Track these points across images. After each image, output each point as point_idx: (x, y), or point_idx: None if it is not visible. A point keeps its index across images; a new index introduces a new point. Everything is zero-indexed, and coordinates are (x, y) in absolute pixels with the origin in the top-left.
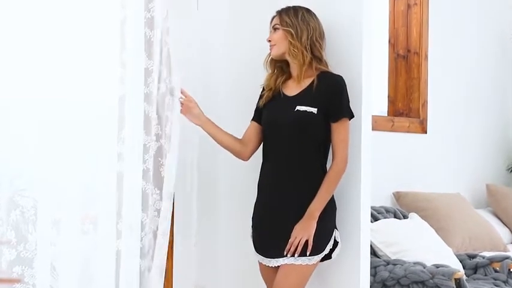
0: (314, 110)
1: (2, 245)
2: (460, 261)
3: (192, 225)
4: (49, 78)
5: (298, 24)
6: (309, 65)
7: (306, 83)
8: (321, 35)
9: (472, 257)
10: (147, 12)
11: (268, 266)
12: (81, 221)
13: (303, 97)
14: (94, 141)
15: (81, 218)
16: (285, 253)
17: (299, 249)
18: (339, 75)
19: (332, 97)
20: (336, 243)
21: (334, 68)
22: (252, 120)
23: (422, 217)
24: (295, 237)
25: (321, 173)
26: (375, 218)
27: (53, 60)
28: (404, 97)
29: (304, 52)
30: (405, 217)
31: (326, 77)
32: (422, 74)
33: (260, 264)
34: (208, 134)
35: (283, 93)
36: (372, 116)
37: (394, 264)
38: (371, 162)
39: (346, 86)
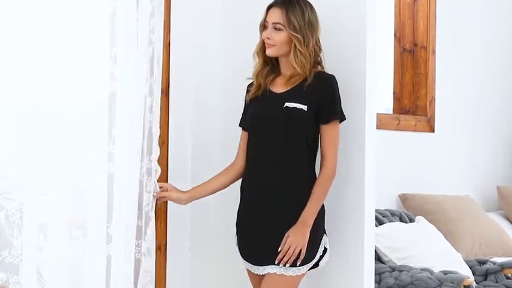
0: (304, 107)
1: None
2: (470, 267)
3: (186, 229)
4: (34, 76)
5: (306, 30)
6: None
7: (297, 80)
8: (319, 34)
9: (482, 262)
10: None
11: (255, 274)
12: (69, 225)
13: (293, 94)
14: (83, 140)
15: (69, 221)
16: (276, 262)
17: (292, 259)
18: (331, 75)
19: (324, 97)
20: (325, 250)
21: (336, 63)
22: (242, 129)
23: (430, 221)
24: (289, 246)
25: (309, 173)
26: (379, 222)
27: (38, 56)
28: (411, 94)
29: (309, 60)
30: (412, 221)
31: (319, 76)
32: (429, 69)
33: (248, 271)
34: (203, 197)
35: (269, 89)
36: (377, 114)
37: (400, 271)
38: (375, 162)
39: (338, 87)
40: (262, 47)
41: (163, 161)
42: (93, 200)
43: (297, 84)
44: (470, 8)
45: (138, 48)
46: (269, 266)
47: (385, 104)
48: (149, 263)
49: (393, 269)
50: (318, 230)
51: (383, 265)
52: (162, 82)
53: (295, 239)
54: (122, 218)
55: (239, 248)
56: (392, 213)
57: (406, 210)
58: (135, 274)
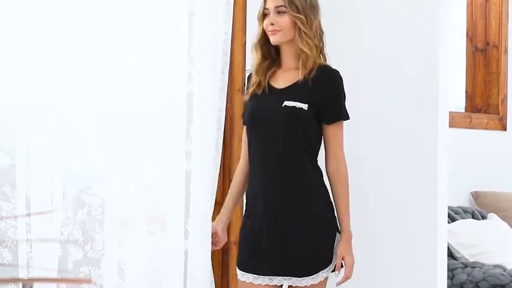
0: (304, 106)
1: (69, 244)
2: None
3: None
4: (116, 76)
5: (308, 11)
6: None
7: (300, 73)
8: (320, 18)
9: None
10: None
11: (263, 285)
12: (149, 221)
13: (293, 91)
14: (162, 139)
15: (148, 217)
16: (337, 285)
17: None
18: (336, 70)
19: (330, 95)
20: None
21: (409, 63)
22: (244, 124)
23: (502, 218)
24: (350, 269)
25: (314, 173)
26: (452, 219)
27: (120, 58)
28: (483, 93)
29: (315, 42)
30: (484, 218)
31: (325, 72)
32: (501, 68)
33: (245, 284)
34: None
35: (269, 84)
36: (449, 112)
37: (473, 267)
38: (448, 160)
39: (343, 83)
40: (262, 38)
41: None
42: (171, 196)
43: (299, 79)
44: None
45: (215, 48)
46: (307, 277)
47: (457, 102)
48: None
49: (466, 265)
50: (330, 231)
51: (455, 261)
52: (237, 82)
53: (352, 260)
54: (199, 214)
55: (244, 258)
56: (465, 211)
57: (479, 208)
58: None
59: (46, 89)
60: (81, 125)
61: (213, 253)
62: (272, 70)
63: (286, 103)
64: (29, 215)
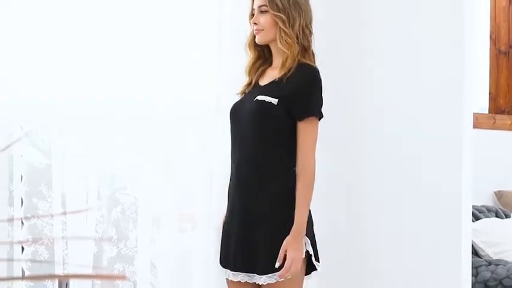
0: (274, 101)
1: (103, 242)
2: None
3: None
4: (147, 78)
5: (290, 10)
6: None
7: (282, 71)
8: (311, 20)
9: None
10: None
11: (234, 282)
12: (179, 219)
13: (270, 86)
14: (192, 139)
15: (179, 216)
16: (279, 279)
17: (293, 273)
18: (314, 68)
19: (299, 90)
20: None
21: (434, 65)
22: None
23: None
24: (291, 262)
25: (283, 174)
26: (476, 218)
27: (150, 60)
28: (506, 94)
29: (296, 42)
30: (507, 216)
31: (300, 68)
32: None
33: (229, 282)
34: None
35: (257, 82)
36: (473, 113)
37: (497, 265)
38: (472, 160)
39: (320, 81)
40: (253, 38)
41: None
42: (201, 194)
43: (280, 77)
44: None
45: (242, 50)
46: (265, 275)
47: (480, 103)
48: None
49: (489, 263)
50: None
51: (480, 259)
52: None
53: (295, 254)
54: (219, 212)
55: (219, 254)
56: (489, 209)
57: (502, 207)
58: None
59: (82, 89)
60: (115, 126)
61: None
62: (262, 69)
63: (258, 97)
64: (64, 213)
